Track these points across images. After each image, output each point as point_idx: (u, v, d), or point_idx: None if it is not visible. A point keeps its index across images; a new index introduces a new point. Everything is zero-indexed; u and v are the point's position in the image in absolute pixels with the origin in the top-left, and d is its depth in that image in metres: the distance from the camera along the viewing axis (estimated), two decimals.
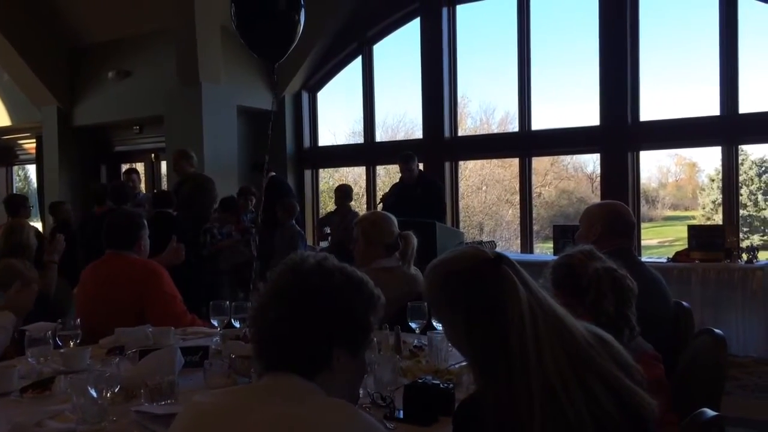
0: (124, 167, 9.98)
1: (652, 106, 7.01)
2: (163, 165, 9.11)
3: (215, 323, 2.88)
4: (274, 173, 7.43)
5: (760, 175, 15.20)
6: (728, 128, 6.48)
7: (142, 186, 8.45)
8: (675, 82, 7.71)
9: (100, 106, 9.08)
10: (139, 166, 9.68)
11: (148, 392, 2.02)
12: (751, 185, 15.03)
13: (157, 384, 2.02)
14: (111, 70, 8.77)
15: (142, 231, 3.31)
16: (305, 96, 9.05)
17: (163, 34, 7.95)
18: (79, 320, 2.69)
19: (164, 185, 9.07)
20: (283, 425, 1.24)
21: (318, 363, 1.34)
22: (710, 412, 1.57)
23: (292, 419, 1.24)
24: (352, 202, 7.65)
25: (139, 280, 3.17)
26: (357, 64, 8.69)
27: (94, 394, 1.87)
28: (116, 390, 1.97)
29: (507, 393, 1.33)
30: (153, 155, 9.48)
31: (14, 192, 11.62)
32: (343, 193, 7.26)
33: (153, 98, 8.13)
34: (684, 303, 2.81)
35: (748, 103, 6.44)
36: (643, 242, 7.76)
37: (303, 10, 4.63)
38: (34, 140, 10.54)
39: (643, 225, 8.19)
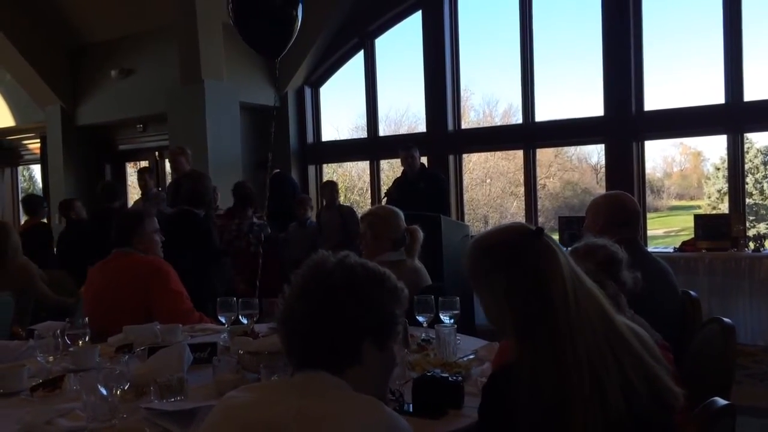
0: (129, 166, 10.01)
1: (657, 96, 6.97)
2: (167, 163, 9.11)
3: (223, 320, 2.89)
4: (278, 170, 7.44)
5: (765, 163, 15.12)
6: (733, 116, 6.44)
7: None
8: (679, 70, 7.66)
9: (104, 105, 9.09)
10: (143, 165, 9.70)
11: (157, 389, 2.03)
12: (757, 173, 14.96)
13: (167, 381, 2.03)
14: (113, 69, 8.77)
15: (142, 227, 3.30)
16: (308, 91, 9.04)
17: (165, 31, 7.94)
18: (87, 319, 2.70)
19: (168, 183, 9.09)
20: (308, 419, 1.26)
21: (348, 358, 1.38)
22: (721, 401, 1.57)
23: (317, 413, 1.27)
24: (356, 197, 7.64)
25: (146, 278, 3.17)
26: (359, 58, 8.68)
27: (104, 392, 1.87)
28: (126, 387, 1.98)
29: (550, 358, 1.35)
30: (157, 153, 9.49)
31: (20, 192, 11.68)
32: (327, 188, 7.16)
33: (156, 96, 8.14)
34: (692, 292, 2.81)
35: (753, 91, 6.40)
36: (649, 232, 7.74)
37: (301, 5, 4.60)
38: (38, 140, 10.57)
39: (648, 215, 8.14)
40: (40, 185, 11.17)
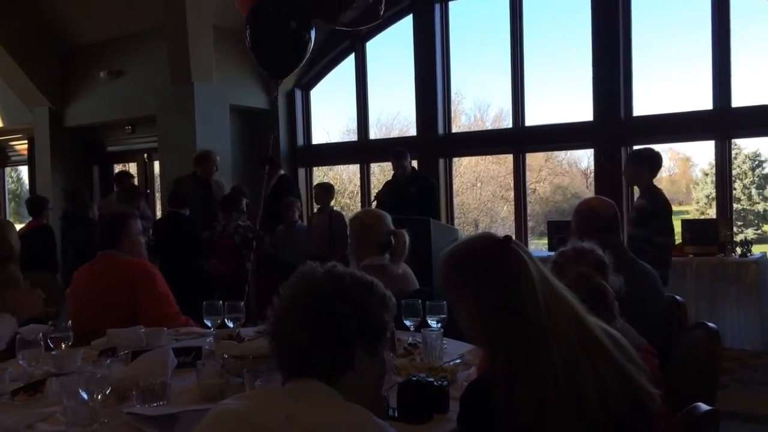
0: (117, 168, 9.95)
1: (646, 101, 7.02)
2: (156, 165, 9.07)
3: (208, 323, 2.87)
4: (283, 172, 7.42)
5: (753, 169, 15.23)
6: (721, 122, 6.49)
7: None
8: (668, 76, 7.71)
9: (92, 107, 9.04)
10: (132, 167, 9.65)
11: (140, 393, 2.00)
12: (745, 179, 15.06)
13: (150, 385, 2.01)
14: (102, 70, 8.72)
15: (125, 229, 3.28)
16: (298, 94, 9.03)
17: (154, 33, 7.91)
18: (70, 322, 2.68)
19: (157, 186, 9.05)
20: (298, 426, 1.28)
21: (341, 366, 1.39)
22: (704, 406, 1.57)
23: (307, 421, 1.29)
24: (346, 200, 7.61)
25: (132, 281, 3.14)
26: (350, 61, 8.68)
27: (85, 396, 1.85)
28: (107, 392, 1.96)
29: (524, 365, 1.37)
30: (146, 155, 9.44)
31: (7, 193, 11.60)
32: (327, 191, 7.11)
33: (145, 98, 8.10)
34: (678, 297, 2.81)
35: (740, 97, 6.45)
36: None
37: (313, 30, 4.62)
38: (25, 141, 10.49)
39: None
40: (28, 186, 11.09)
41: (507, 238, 1.53)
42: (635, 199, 4.68)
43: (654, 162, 4.75)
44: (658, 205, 4.59)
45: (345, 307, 1.41)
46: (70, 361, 2.42)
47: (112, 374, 2.14)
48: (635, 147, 5.10)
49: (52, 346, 2.56)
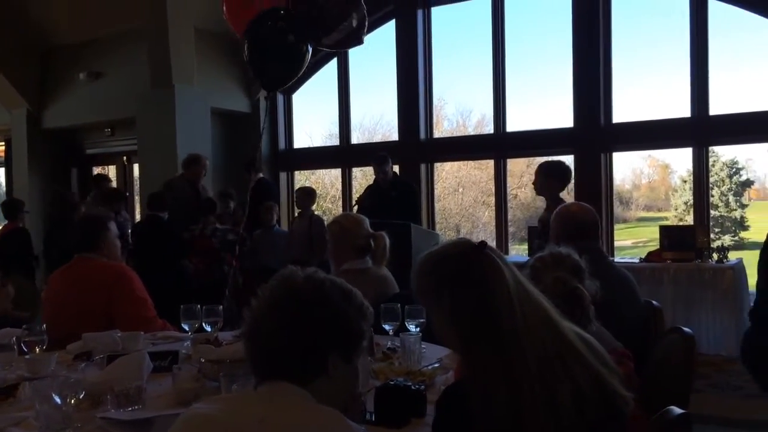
0: (96, 170, 9.85)
1: (625, 108, 7.10)
2: (136, 168, 8.99)
3: (186, 327, 2.84)
4: (261, 175, 7.40)
5: (730, 176, 15.48)
6: (698, 130, 6.57)
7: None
8: (647, 84, 7.82)
9: (71, 108, 8.94)
10: (111, 169, 9.56)
11: (114, 398, 1.98)
12: (723, 186, 15.30)
13: (124, 389, 1.99)
14: (82, 72, 8.64)
15: (103, 232, 3.25)
16: (280, 98, 9.01)
17: (135, 35, 7.85)
18: (45, 326, 2.64)
19: (136, 188, 8.97)
20: (271, 428, 1.28)
21: (313, 370, 1.39)
22: (677, 410, 1.58)
23: (279, 423, 1.29)
24: (328, 205, 7.60)
25: (108, 284, 3.11)
26: (332, 65, 8.67)
27: (58, 401, 1.82)
28: (81, 396, 1.93)
29: (499, 371, 1.37)
30: (125, 158, 9.36)
31: None
32: (308, 195, 7.10)
33: (125, 100, 8.03)
34: (654, 302, 2.84)
35: (718, 105, 6.54)
36: (618, 243, 7.84)
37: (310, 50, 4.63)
38: (2, 143, 10.35)
39: (617, 226, 8.26)
40: (5, 188, 10.94)
41: (482, 244, 1.53)
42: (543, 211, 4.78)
43: (562, 176, 4.87)
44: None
45: (323, 311, 1.41)
46: (43, 364, 2.38)
47: (87, 378, 2.12)
48: (547, 159, 5.19)
49: (25, 349, 2.53)
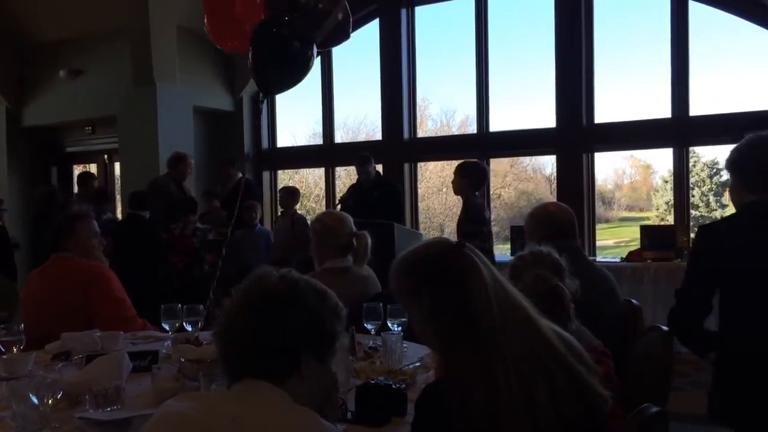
0: (77, 168, 9.75)
1: (607, 109, 7.15)
2: (117, 166, 8.92)
3: (166, 327, 2.82)
4: (241, 174, 7.36)
5: (711, 177, 15.63)
6: (679, 130, 6.64)
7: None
8: (628, 85, 7.88)
9: (51, 106, 8.83)
10: (92, 168, 9.47)
11: (93, 398, 1.96)
12: (703, 186, 15.44)
13: (103, 389, 1.97)
14: (62, 69, 8.53)
15: (75, 231, 3.20)
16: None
17: (117, 33, 7.77)
18: (23, 325, 2.61)
19: (117, 187, 8.89)
20: (244, 428, 1.27)
21: (286, 368, 1.38)
22: (654, 407, 1.60)
23: (253, 422, 1.28)
24: (312, 204, 7.59)
25: (86, 284, 3.08)
26: (316, 64, 8.60)
27: (35, 401, 1.81)
28: (59, 396, 1.92)
29: (478, 370, 1.38)
30: (106, 156, 9.27)
31: None
32: (291, 195, 7.08)
33: (106, 98, 7.96)
34: (633, 301, 2.87)
35: (698, 106, 6.61)
36: (599, 242, 7.89)
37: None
38: None
39: (599, 226, 8.32)
40: None
41: (460, 243, 1.54)
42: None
43: (475, 177, 5.10)
44: (475, 216, 4.98)
45: (296, 310, 1.40)
46: (21, 364, 2.35)
47: (65, 378, 2.10)
48: (467, 160, 5.37)
49: (3, 349, 2.50)
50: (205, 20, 4.68)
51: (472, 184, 5.11)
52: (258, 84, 4.70)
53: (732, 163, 2.50)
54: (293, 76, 4.70)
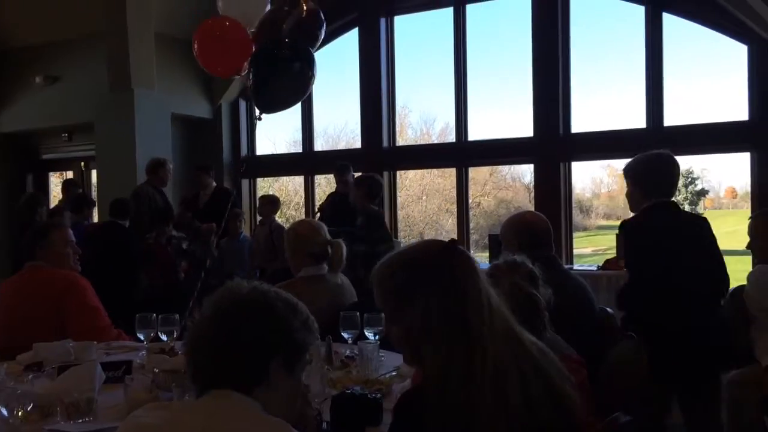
0: (53, 176, 9.63)
1: (583, 119, 7.23)
2: (94, 173, 8.82)
3: (141, 336, 2.79)
4: (216, 184, 7.32)
5: (686, 186, 15.87)
6: (654, 140, 6.72)
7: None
8: (605, 95, 7.99)
9: (27, 113, 8.72)
10: (68, 175, 9.35)
11: (64, 410, 1.94)
12: (679, 196, 15.68)
13: (74, 401, 1.95)
14: (38, 75, 8.43)
15: (46, 240, 3.16)
16: (242, 104, 8.94)
17: (93, 39, 7.71)
18: None
19: (94, 194, 8.79)
20: None
21: (255, 376, 1.37)
22: (624, 417, 1.62)
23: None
24: (291, 212, 7.57)
25: (59, 293, 3.03)
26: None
27: (5, 413, 1.78)
28: (29, 408, 1.89)
29: (463, 373, 1.37)
30: (83, 163, 9.17)
31: None
32: (270, 203, 7.03)
33: (83, 104, 7.87)
34: (608, 309, 2.90)
35: (672, 116, 6.71)
36: (577, 251, 7.96)
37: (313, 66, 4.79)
38: None
39: (576, 234, 8.41)
40: None
41: (452, 241, 1.53)
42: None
43: (368, 188, 5.51)
44: (373, 222, 5.36)
45: (264, 318, 1.40)
46: None
47: (36, 390, 2.07)
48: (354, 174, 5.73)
49: None
50: (195, 47, 4.70)
51: (367, 194, 5.45)
52: (258, 103, 4.78)
53: (631, 174, 3.21)
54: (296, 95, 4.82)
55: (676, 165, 3.23)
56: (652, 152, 3.25)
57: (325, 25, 4.79)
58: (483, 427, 1.34)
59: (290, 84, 4.70)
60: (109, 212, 6.09)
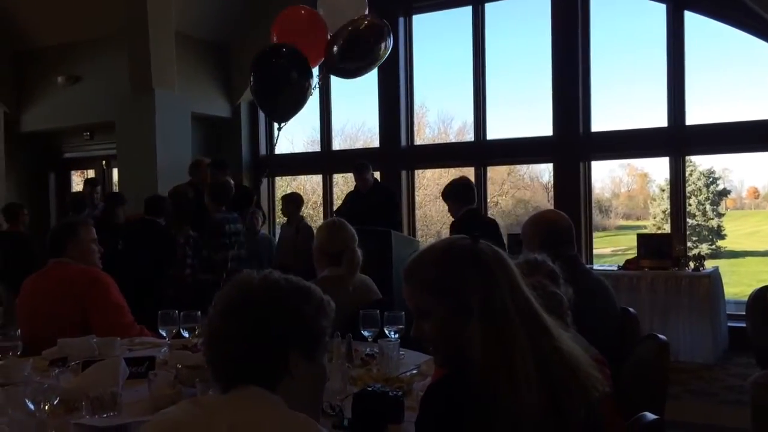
0: (75, 174, 9.75)
1: (603, 118, 7.19)
2: (115, 172, 8.91)
3: (163, 333, 2.82)
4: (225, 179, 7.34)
5: (707, 186, 15.70)
6: (675, 139, 6.67)
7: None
8: (625, 93, 7.92)
9: (50, 112, 8.84)
10: (90, 174, 9.46)
11: (89, 404, 1.96)
12: (700, 195, 15.50)
13: (99, 395, 1.96)
14: (60, 75, 8.54)
15: (74, 237, 3.20)
16: None
17: (115, 39, 7.80)
18: (19, 331, 2.61)
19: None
20: None
21: (277, 371, 1.36)
22: (650, 416, 1.60)
23: (249, 430, 1.27)
24: (309, 211, 7.59)
25: (83, 290, 3.06)
26: (314, 71, 8.65)
27: (32, 407, 1.80)
28: (55, 402, 1.91)
29: (503, 359, 1.36)
30: (104, 162, 9.27)
31: None
32: (292, 202, 7.07)
33: (104, 104, 7.96)
34: (630, 309, 2.87)
35: (694, 115, 6.65)
36: (596, 251, 7.92)
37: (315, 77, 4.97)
38: None
39: (596, 234, 8.35)
40: None
41: (477, 235, 1.52)
42: None
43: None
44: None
45: (278, 310, 1.39)
46: (17, 370, 2.35)
47: (61, 384, 2.09)
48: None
49: None
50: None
51: (212, 201, 5.69)
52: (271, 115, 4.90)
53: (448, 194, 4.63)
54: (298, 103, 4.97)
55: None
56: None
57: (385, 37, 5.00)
58: (526, 414, 1.33)
59: (289, 95, 4.77)
60: (145, 210, 6.12)
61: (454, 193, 4.82)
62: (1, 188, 8.96)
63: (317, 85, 5.04)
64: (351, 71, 5.20)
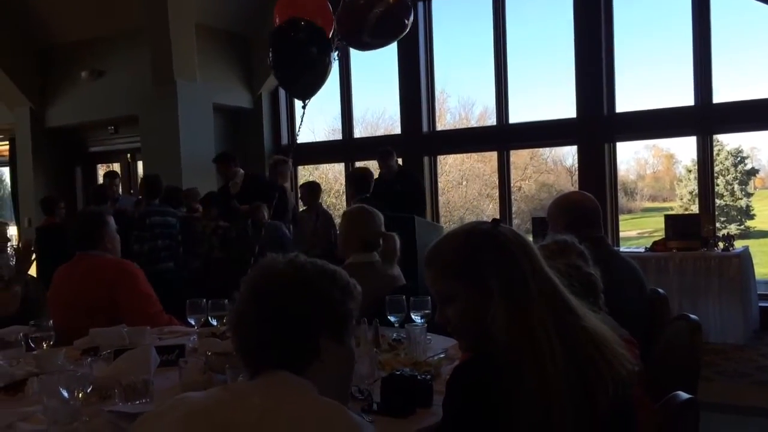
0: (100, 168, 9.86)
1: (628, 98, 7.08)
2: (140, 165, 9.01)
3: (192, 321, 2.85)
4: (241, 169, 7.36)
5: (735, 165, 15.40)
6: (702, 118, 6.55)
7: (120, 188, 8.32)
8: (650, 73, 7.78)
9: (74, 107, 8.95)
10: (115, 167, 9.57)
11: (122, 392, 1.99)
12: (728, 175, 15.22)
13: (132, 383, 2.00)
14: (84, 70, 8.64)
15: (103, 229, 3.24)
16: (282, 93, 9.00)
17: (136, 33, 7.85)
18: (51, 322, 2.65)
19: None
20: (271, 422, 1.25)
21: (305, 355, 1.36)
22: (684, 395, 1.58)
23: (280, 416, 1.26)
24: (332, 200, 7.59)
25: (112, 281, 3.11)
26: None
27: (66, 395, 1.83)
28: (89, 390, 1.94)
29: (529, 340, 1.35)
30: (129, 155, 9.38)
31: None
32: (311, 191, 7.08)
33: (127, 98, 8.05)
34: (660, 290, 2.83)
35: (721, 93, 6.52)
36: (622, 233, 7.84)
37: (335, 53, 4.87)
38: (7, 142, 10.37)
39: (622, 217, 8.24)
40: (10, 188, 10.96)
41: (495, 221, 1.53)
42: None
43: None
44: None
45: (305, 294, 1.38)
46: (51, 360, 2.39)
47: (94, 373, 2.13)
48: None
49: (33, 345, 2.54)
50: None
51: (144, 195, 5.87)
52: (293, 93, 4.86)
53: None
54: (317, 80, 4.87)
55: None
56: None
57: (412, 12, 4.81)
58: (553, 392, 1.32)
59: (310, 72, 4.72)
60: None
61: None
62: (29, 183, 9.12)
63: (336, 58, 4.96)
64: (373, 46, 5.11)
